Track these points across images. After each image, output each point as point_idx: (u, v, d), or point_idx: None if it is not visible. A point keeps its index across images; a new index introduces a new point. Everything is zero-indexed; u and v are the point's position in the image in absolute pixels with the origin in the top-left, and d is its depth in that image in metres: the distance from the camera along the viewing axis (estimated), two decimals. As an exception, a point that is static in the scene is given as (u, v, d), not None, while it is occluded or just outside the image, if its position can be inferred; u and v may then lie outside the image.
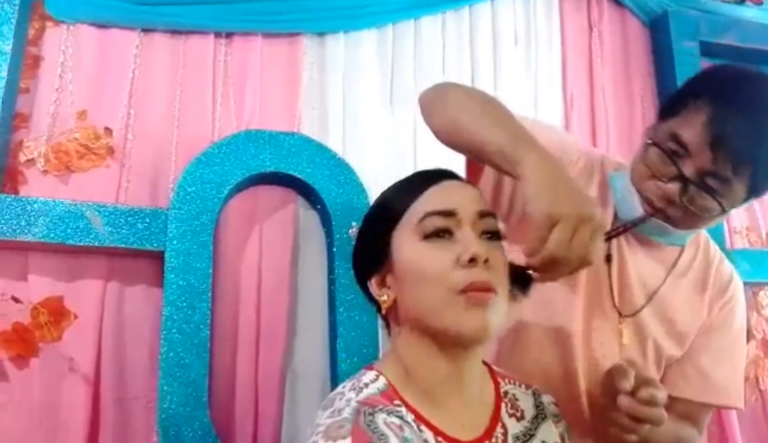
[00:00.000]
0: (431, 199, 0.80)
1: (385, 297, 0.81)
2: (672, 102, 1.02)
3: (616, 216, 1.08)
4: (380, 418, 0.69)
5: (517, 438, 0.82)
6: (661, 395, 0.86)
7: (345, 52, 1.97)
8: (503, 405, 0.85)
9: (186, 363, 1.55)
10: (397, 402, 0.76)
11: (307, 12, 1.94)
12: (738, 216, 2.29)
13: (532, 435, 0.84)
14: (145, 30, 1.81)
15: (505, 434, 0.81)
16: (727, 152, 0.90)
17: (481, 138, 0.87)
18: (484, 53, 2.12)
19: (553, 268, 0.75)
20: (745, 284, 2.13)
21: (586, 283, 1.06)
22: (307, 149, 1.79)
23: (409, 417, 0.74)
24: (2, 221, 1.54)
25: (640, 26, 2.36)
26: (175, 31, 1.84)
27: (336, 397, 0.75)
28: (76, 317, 1.59)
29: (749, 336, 2.16)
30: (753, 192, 0.97)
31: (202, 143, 1.75)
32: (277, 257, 1.76)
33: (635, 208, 1.01)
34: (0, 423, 1.52)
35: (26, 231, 1.55)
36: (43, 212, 1.57)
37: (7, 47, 1.65)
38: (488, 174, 1.08)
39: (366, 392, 0.75)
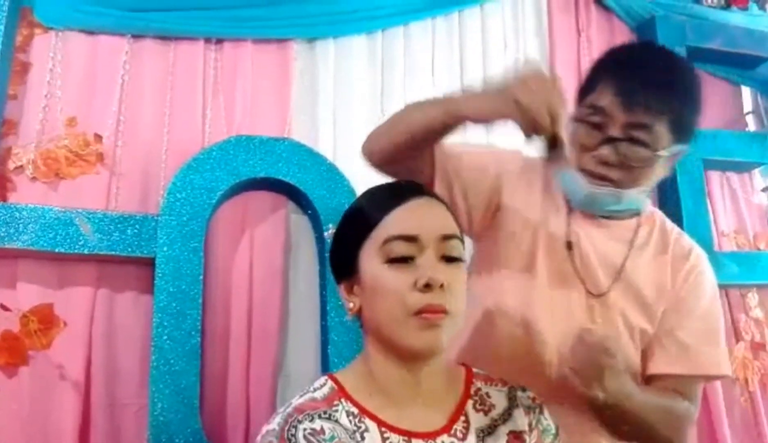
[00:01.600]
0: (397, 221, 0.84)
1: (351, 304, 0.87)
2: (584, 85, 1.14)
3: (570, 210, 1.15)
4: (301, 429, 0.75)
5: (481, 430, 0.86)
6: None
7: (335, 58, 1.98)
8: (470, 401, 0.89)
9: (177, 370, 1.55)
10: (336, 402, 0.82)
11: (296, 18, 1.94)
12: (726, 219, 2.31)
13: (497, 427, 0.87)
14: (135, 36, 1.81)
15: (467, 427, 0.86)
16: (639, 102, 1.03)
17: (427, 115, 1.05)
18: (474, 58, 2.13)
19: (534, 120, 0.91)
20: (734, 286, 2.19)
21: (549, 270, 1.13)
22: (297, 154, 1.79)
23: (344, 416, 0.81)
24: (-9, 229, 1.53)
25: (628, 31, 2.38)
26: (164, 38, 1.84)
27: (286, 405, 0.82)
28: (65, 324, 1.58)
29: (738, 337, 2.18)
30: (678, 131, 1.07)
31: (192, 149, 1.74)
32: (268, 263, 1.76)
33: (582, 187, 1.08)
34: (-11, 432, 1.51)
35: (15, 238, 1.54)
36: (33, 219, 1.56)
37: (-4, 54, 1.65)
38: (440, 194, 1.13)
39: (306, 397, 0.82)
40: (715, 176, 2.34)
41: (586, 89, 1.13)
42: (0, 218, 1.54)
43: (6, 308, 1.55)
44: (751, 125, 2.51)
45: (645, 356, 1.15)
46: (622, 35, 2.36)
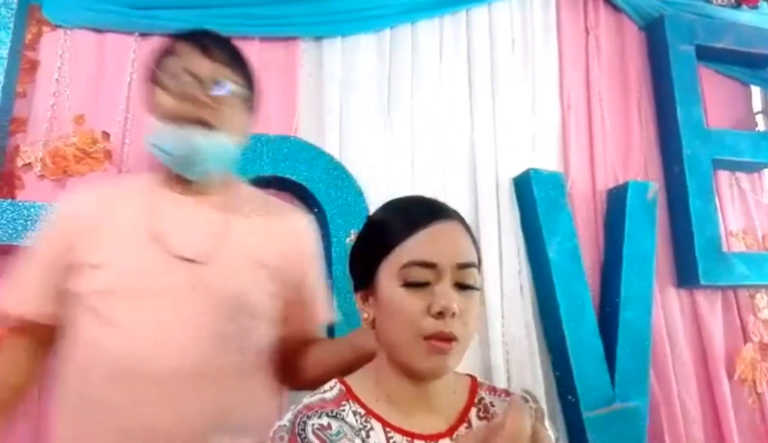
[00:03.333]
0: (417, 246, 0.86)
1: (366, 314, 0.91)
2: (154, 61, 1.18)
3: (172, 174, 1.18)
4: (310, 425, 0.79)
5: None
6: None
7: (342, 57, 1.98)
8: (474, 408, 0.92)
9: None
10: (344, 402, 0.86)
11: (304, 16, 1.94)
12: (735, 219, 2.29)
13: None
14: (143, 34, 1.82)
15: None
16: (212, 48, 1.15)
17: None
18: (482, 57, 2.12)
19: None
20: (742, 287, 2.18)
21: (146, 261, 1.12)
22: (304, 152, 1.79)
23: (351, 415, 0.85)
24: (-1, 226, 1.54)
25: (637, 30, 2.37)
26: (171, 36, 1.83)
27: (297, 404, 0.85)
28: (73, 321, 1.58)
29: (746, 338, 2.17)
30: (247, 76, 1.20)
31: (199, 147, 1.74)
32: (275, 261, 1.75)
33: (173, 136, 1.11)
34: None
35: (23, 236, 1.54)
36: (41, 216, 1.56)
37: (4, 51, 1.65)
38: None
39: (316, 397, 0.86)
40: (724, 176, 2.33)
41: (157, 62, 1.17)
42: (8, 216, 1.55)
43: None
44: (761, 124, 2.50)
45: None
46: (631, 34, 2.36)
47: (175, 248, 1.11)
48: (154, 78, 1.16)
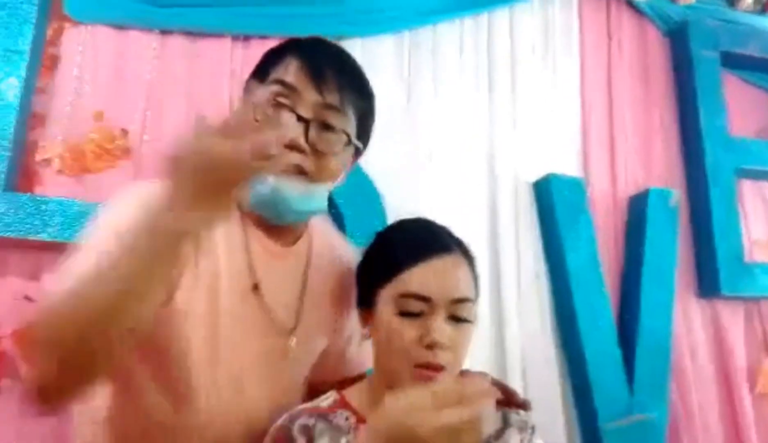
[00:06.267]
0: (416, 278, 0.89)
1: (365, 331, 0.96)
2: (257, 72, 0.98)
3: (262, 220, 0.98)
4: (297, 424, 0.88)
5: None
6: None
7: (362, 57, 1.94)
8: None
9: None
10: (338, 409, 0.92)
11: (324, 16, 1.94)
12: (758, 228, 2.25)
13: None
14: (163, 32, 1.82)
15: None
16: (329, 79, 0.92)
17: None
18: (502, 60, 2.10)
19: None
20: (765, 298, 2.13)
21: (243, 319, 0.96)
22: (322, 153, 1.77)
23: (342, 419, 0.91)
24: (17, 220, 1.54)
25: (660, 36, 2.34)
26: (192, 34, 1.84)
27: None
28: (87, 317, 1.58)
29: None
30: (362, 117, 0.99)
31: (217, 146, 1.74)
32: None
33: (263, 183, 0.89)
34: (12, 421, 1.52)
35: (41, 230, 1.55)
36: (58, 211, 1.57)
37: (26, 47, 1.66)
38: None
39: (313, 403, 0.94)
40: (747, 185, 2.29)
41: (260, 74, 0.97)
42: (26, 210, 1.55)
43: (30, 300, 1.55)
44: (786, 133, 2.45)
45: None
46: (655, 40, 2.33)
47: (271, 307, 0.98)
48: (248, 92, 0.98)
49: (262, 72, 0.97)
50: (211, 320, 0.92)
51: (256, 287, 0.97)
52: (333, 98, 0.93)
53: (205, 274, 0.92)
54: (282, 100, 0.92)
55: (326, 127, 0.93)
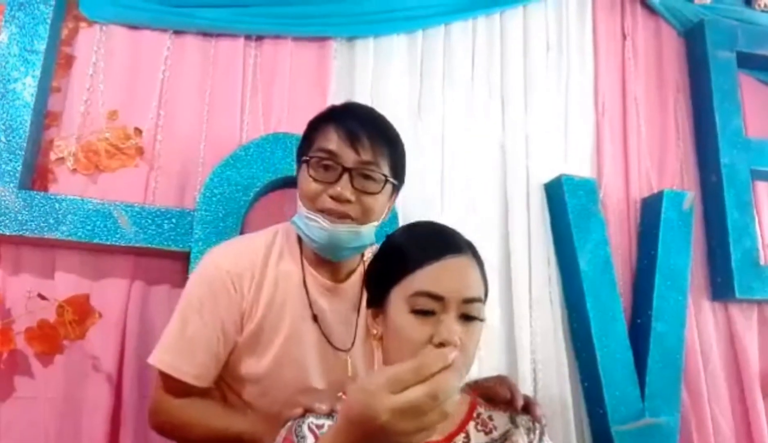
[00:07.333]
0: (428, 277, 0.91)
1: (375, 331, 0.97)
2: (304, 139, 1.21)
3: (316, 255, 1.22)
4: (306, 423, 0.92)
5: None
6: None
7: (374, 57, 1.96)
8: (472, 422, 0.98)
9: (208, 365, 1.54)
10: None
11: (337, 16, 1.93)
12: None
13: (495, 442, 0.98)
14: (177, 32, 1.83)
15: (467, 441, 0.96)
16: (363, 140, 1.13)
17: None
18: (515, 60, 2.09)
19: None
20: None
21: (313, 346, 1.21)
22: (334, 153, 1.77)
23: None
24: (31, 218, 1.55)
25: (675, 36, 2.32)
26: (206, 34, 1.85)
27: None
28: (100, 316, 1.59)
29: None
30: (394, 162, 1.19)
31: (229, 145, 1.75)
32: (302, 261, 1.75)
33: (324, 226, 1.14)
34: (24, 418, 1.53)
35: (54, 229, 1.56)
36: (72, 210, 1.58)
37: (41, 46, 1.67)
38: None
39: (326, 405, 0.96)
40: (763, 187, 2.26)
41: (307, 141, 1.19)
42: (40, 209, 1.56)
43: (43, 298, 1.57)
44: (803, 135, 2.42)
45: None
46: (670, 40, 2.31)
47: (329, 332, 1.22)
48: (302, 153, 1.20)
49: (306, 142, 1.20)
50: (281, 340, 1.19)
51: (315, 318, 1.21)
52: (367, 156, 1.14)
53: (272, 303, 1.19)
54: (327, 162, 1.14)
55: (365, 177, 1.15)
